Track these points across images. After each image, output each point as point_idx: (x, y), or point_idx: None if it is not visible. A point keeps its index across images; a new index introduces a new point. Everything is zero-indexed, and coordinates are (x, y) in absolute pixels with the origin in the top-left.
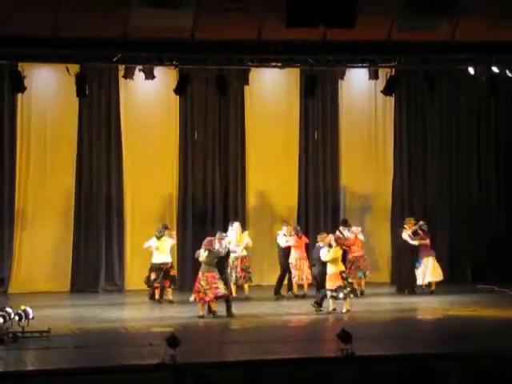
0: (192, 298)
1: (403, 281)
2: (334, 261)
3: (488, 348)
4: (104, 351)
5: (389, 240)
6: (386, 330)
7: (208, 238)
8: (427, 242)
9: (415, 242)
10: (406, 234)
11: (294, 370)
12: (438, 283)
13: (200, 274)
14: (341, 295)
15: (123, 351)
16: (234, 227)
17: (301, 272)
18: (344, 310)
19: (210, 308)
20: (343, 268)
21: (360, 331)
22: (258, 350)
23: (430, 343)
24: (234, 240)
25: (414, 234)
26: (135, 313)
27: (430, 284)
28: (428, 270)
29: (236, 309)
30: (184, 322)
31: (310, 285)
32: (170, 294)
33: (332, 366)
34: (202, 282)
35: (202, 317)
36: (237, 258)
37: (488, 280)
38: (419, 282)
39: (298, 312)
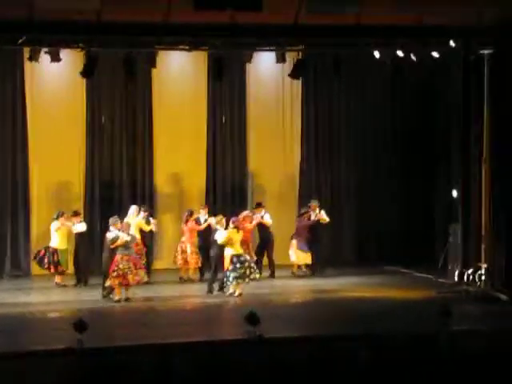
0: (109, 283)
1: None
2: (229, 243)
3: (393, 328)
4: (10, 337)
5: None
6: (294, 312)
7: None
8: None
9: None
10: (312, 215)
11: (203, 352)
12: (345, 264)
13: (118, 257)
14: (230, 278)
15: (30, 336)
16: (131, 210)
17: (185, 255)
18: (236, 294)
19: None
20: (240, 251)
21: (267, 313)
22: (167, 334)
23: (337, 325)
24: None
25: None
26: (41, 297)
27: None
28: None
29: (142, 292)
30: (91, 307)
31: (195, 269)
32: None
33: (240, 348)
34: (120, 266)
35: (119, 301)
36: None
37: (394, 261)
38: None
39: (206, 295)
